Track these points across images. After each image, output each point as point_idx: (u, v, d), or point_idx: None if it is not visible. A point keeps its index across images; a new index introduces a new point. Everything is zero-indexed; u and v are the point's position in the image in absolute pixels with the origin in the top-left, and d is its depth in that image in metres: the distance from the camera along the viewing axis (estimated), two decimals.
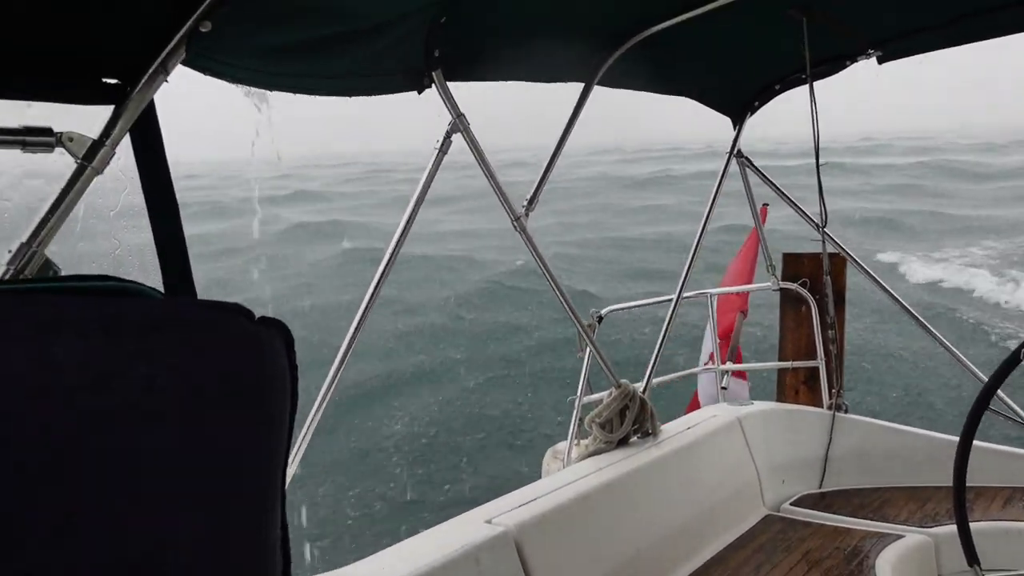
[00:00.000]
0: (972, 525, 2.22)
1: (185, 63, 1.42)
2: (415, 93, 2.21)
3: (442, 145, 2.30)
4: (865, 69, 3.43)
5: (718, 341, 4.72)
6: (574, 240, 26.64)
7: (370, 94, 2.12)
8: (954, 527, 2.32)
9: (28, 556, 0.77)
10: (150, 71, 1.36)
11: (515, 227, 2.60)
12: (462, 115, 2.29)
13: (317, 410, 2.07)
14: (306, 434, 2.07)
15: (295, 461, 2.10)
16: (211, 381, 0.98)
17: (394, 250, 2.24)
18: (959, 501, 2.16)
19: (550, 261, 2.77)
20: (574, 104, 2.80)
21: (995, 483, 3.21)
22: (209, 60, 1.54)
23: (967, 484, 2.19)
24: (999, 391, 2.36)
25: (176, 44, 1.35)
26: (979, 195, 36.06)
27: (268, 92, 1.77)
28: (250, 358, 1.03)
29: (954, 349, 3.40)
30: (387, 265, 2.23)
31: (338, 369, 2.11)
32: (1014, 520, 2.88)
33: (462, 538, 2.11)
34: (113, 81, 1.38)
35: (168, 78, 1.38)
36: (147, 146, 1.37)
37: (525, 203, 2.66)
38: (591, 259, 23.49)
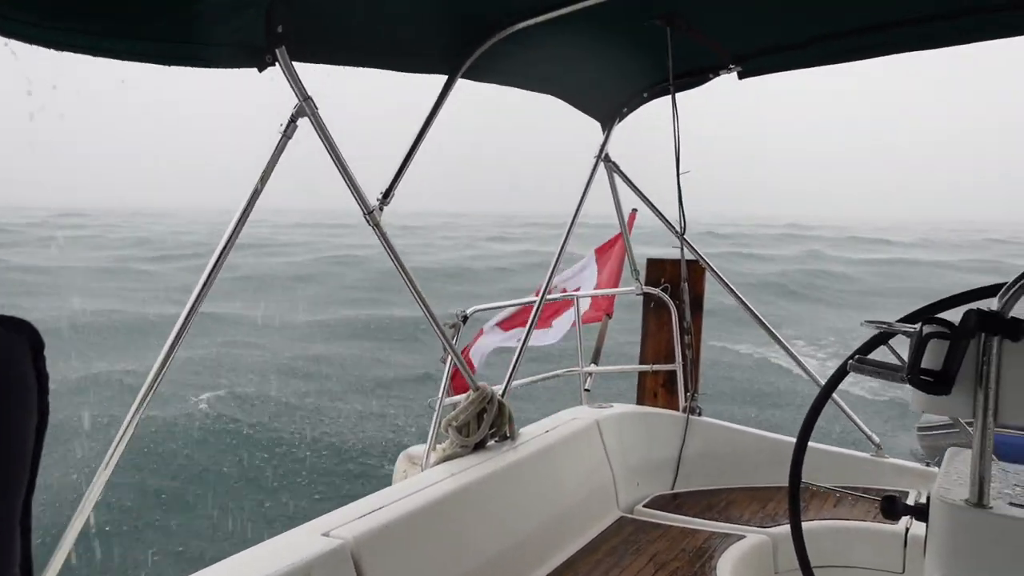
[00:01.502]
0: (806, 524, 2.31)
1: None
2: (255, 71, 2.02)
3: (286, 130, 2.12)
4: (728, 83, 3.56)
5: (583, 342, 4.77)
6: None
7: (200, 65, 1.92)
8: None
9: None
10: None
11: (367, 221, 2.46)
12: (310, 98, 2.13)
13: (125, 431, 1.85)
14: (111, 458, 1.84)
15: (100, 481, 1.85)
16: None
17: (231, 234, 2.04)
18: (794, 512, 2.23)
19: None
20: (436, 95, 2.70)
21: (829, 482, 3.40)
22: None
23: (804, 484, 2.27)
24: (834, 395, 2.49)
25: None
26: None
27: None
28: None
29: (798, 356, 3.58)
30: (220, 256, 2.04)
31: (156, 376, 1.90)
32: (843, 519, 3.05)
33: (294, 553, 1.96)
34: None
35: None
36: None
37: (379, 196, 2.53)
38: None
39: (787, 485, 2.28)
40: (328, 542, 2.04)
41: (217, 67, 1.97)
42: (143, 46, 1.77)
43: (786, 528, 2.95)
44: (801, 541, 2.30)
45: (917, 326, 1.45)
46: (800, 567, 2.36)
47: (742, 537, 2.97)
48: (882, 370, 1.55)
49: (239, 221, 2.09)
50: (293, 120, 2.12)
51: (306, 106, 2.12)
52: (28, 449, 0.88)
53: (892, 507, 1.61)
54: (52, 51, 1.58)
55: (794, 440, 2.09)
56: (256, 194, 2.09)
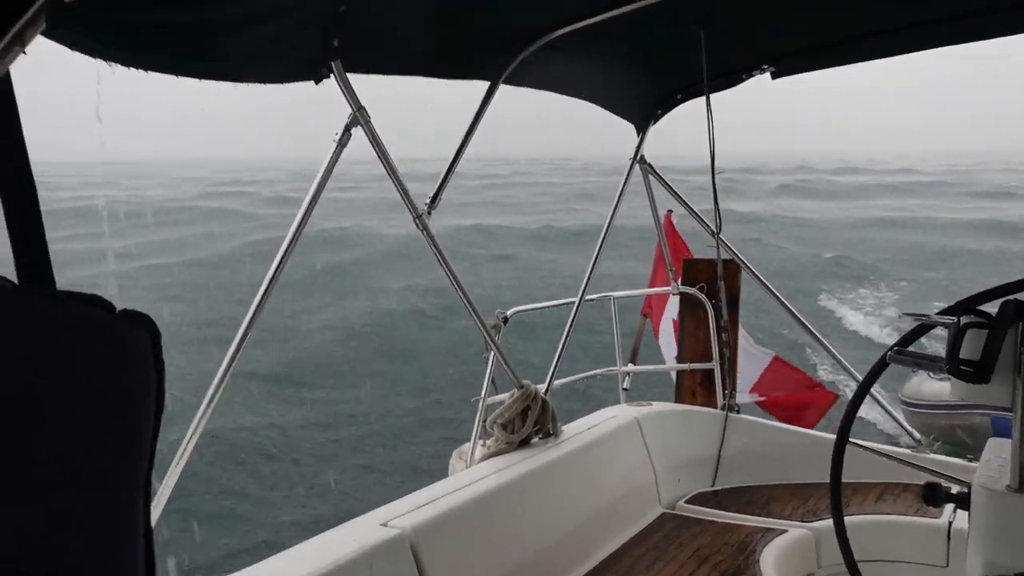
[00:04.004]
0: (848, 519, 2.35)
1: (46, 35, 1.32)
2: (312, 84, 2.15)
3: (341, 139, 2.24)
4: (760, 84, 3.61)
5: (620, 342, 4.84)
6: None
7: (262, 81, 2.05)
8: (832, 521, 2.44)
9: None
10: (4, 41, 1.25)
11: (417, 225, 2.57)
12: (363, 108, 2.24)
13: (207, 406, 1.98)
14: (192, 434, 1.98)
15: (182, 460, 2.00)
16: (64, 377, 0.91)
17: (289, 245, 2.17)
18: (836, 507, 2.28)
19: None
20: (479, 103, 2.80)
21: (870, 479, 3.42)
22: (74, 33, 1.44)
23: (844, 480, 2.31)
24: (872, 391, 2.53)
25: (35, 14, 1.25)
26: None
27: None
28: (108, 353, 0.96)
29: (835, 352, 3.60)
30: (280, 263, 2.16)
31: (229, 363, 2.03)
32: (886, 514, 3.08)
33: (355, 541, 2.06)
34: None
35: (26, 50, 1.28)
36: (1, 123, 1.26)
37: (428, 201, 2.64)
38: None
39: (827, 481, 2.32)
40: (388, 531, 2.14)
41: (280, 82, 2.10)
42: (216, 66, 1.91)
43: (828, 523, 2.98)
44: (844, 535, 2.34)
45: (955, 318, 1.50)
46: (844, 561, 2.40)
47: (784, 532, 3.01)
48: (922, 360, 1.60)
49: (297, 229, 2.21)
50: (347, 129, 2.24)
51: (359, 116, 2.24)
52: (150, 429, 1.00)
53: (934, 494, 1.65)
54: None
55: (832, 436, 2.14)
56: (313, 202, 2.21)
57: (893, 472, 3.47)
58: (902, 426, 3.52)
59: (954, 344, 1.48)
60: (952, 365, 1.47)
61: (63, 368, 0.88)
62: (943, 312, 1.65)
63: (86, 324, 0.91)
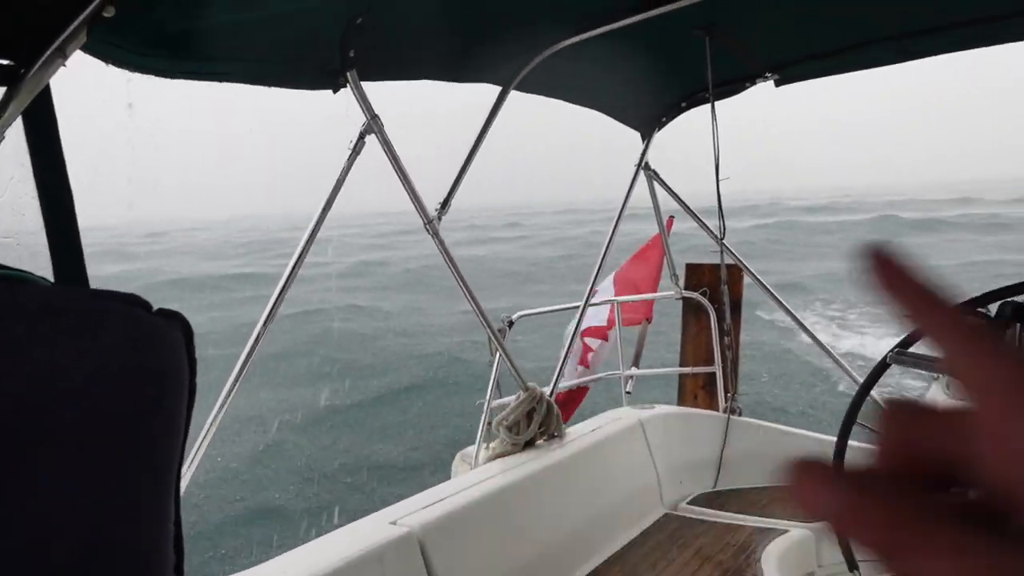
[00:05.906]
0: None
1: (85, 49, 1.37)
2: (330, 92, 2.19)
3: (355, 146, 2.28)
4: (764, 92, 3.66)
5: (620, 346, 4.88)
6: None
7: (284, 86, 2.10)
8: None
9: None
10: (47, 54, 1.30)
11: (427, 230, 2.62)
12: (376, 116, 2.29)
13: (218, 411, 2.02)
14: (205, 437, 2.02)
15: (194, 460, 2.04)
16: (105, 371, 0.96)
17: (303, 248, 2.21)
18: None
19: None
20: (490, 107, 2.85)
21: None
22: (110, 47, 1.49)
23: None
24: (872, 393, 2.57)
25: (77, 27, 1.30)
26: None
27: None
28: (147, 349, 1.01)
29: (836, 355, 3.64)
30: (295, 264, 2.20)
31: (240, 370, 2.07)
32: None
33: (366, 539, 2.10)
34: (5, 62, 1.31)
35: (66, 63, 1.33)
36: (41, 132, 1.31)
37: (438, 206, 2.68)
38: None
39: None
40: (397, 529, 2.18)
41: (301, 88, 2.15)
42: (240, 70, 1.96)
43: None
44: (849, 546, 2.38)
45: None
46: (844, 560, 2.43)
47: (785, 532, 3.05)
48: (923, 361, 1.65)
49: (310, 236, 2.26)
50: (361, 137, 2.28)
51: (373, 124, 2.28)
52: (183, 423, 1.04)
53: None
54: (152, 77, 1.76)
55: (833, 438, 2.18)
56: (327, 208, 2.26)
57: None
58: None
59: None
60: None
61: (102, 359, 0.92)
62: None
63: (126, 320, 0.96)
